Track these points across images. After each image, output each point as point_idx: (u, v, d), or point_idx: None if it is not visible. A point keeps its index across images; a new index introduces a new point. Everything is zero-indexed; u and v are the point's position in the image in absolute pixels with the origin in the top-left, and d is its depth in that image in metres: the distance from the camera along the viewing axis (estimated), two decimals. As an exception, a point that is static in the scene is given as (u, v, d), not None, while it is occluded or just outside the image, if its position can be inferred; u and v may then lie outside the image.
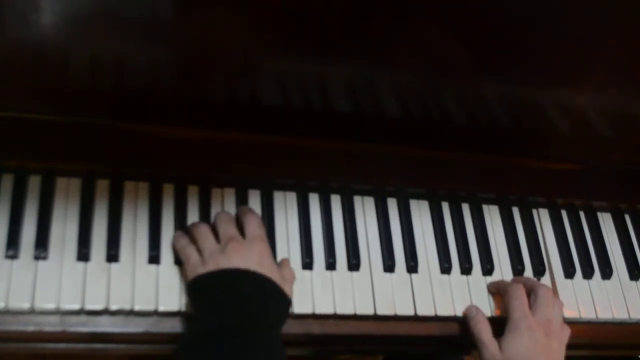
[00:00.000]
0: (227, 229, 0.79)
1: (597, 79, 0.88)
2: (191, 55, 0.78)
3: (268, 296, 0.76)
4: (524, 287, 0.88)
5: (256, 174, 0.91)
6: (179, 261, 0.83)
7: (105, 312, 0.78)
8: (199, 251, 0.79)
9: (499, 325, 0.86)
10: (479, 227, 0.97)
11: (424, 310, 0.88)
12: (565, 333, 0.87)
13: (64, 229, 0.81)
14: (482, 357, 0.85)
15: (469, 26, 0.78)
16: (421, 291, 0.90)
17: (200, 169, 0.89)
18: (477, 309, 0.89)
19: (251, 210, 0.84)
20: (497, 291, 0.91)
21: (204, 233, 0.80)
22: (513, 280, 0.93)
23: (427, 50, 0.81)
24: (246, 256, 0.76)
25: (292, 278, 0.82)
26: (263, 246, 0.79)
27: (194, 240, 0.81)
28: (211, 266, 0.76)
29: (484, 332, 0.86)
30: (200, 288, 0.76)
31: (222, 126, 0.89)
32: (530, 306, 0.87)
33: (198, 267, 0.77)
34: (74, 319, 0.77)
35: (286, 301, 0.78)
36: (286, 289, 0.79)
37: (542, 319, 0.85)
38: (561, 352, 0.86)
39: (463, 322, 0.89)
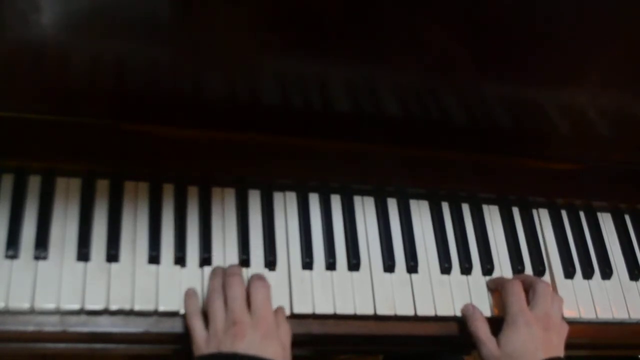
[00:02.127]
0: (235, 307, 0.78)
1: (597, 79, 0.88)
2: (191, 55, 0.78)
3: None
4: (522, 284, 0.89)
5: (256, 174, 0.91)
6: (178, 261, 0.83)
7: (105, 312, 0.78)
8: (207, 321, 0.78)
9: (500, 324, 0.86)
10: (479, 227, 0.97)
11: (424, 310, 0.88)
12: (564, 329, 0.87)
13: (64, 229, 0.81)
14: (481, 354, 0.85)
15: (469, 26, 0.78)
16: (421, 291, 0.90)
17: (200, 169, 0.89)
18: (473, 307, 0.89)
19: (260, 279, 0.82)
20: (496, 287, 0.92)
21: (215, 309, 0.78)
22: (512, 277, 0.93)
23: (427, 50, 0.81)
24: (248, 341, 0.75)
25: (289, 336, 0.81)
26: (266, 327, 0.77)
27: (206, 303, 0.80)
28: (213, 347, 0.76)
29: (481, 330, 0.86)
30: None
31: (222, 126, 0.89)
32: (529, 302, 0.87)
33: (202, 344, 0.77)
34: (74, 319, 0.77)
35: None
36: (286, 357, 0.78)
37: (541, 313, 0.85)
38: (560, 347, 0.86)
39: (463, 322, 0.89)
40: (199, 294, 0.82)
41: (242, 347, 0.75)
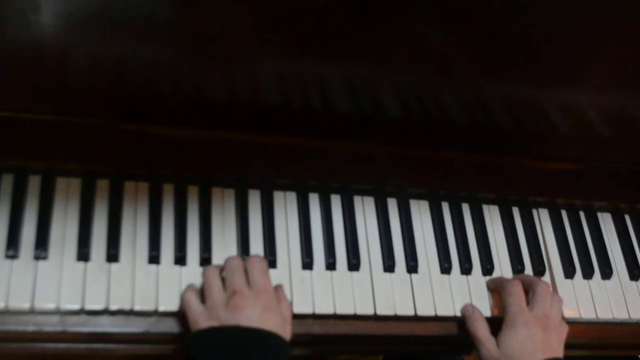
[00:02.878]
0: (234, 279, 0.78)
1: (597, 79, 0.88)
2: (191, 55, 0.78)
3: (268, 351, 0.75)
4: (522, 284, 0.89)
5: (256, 174, 0.91)
6: (179, 261, 0.83)
7: (105, 312, 0.78)
8: (203, 297, 0.78)
9: (500, 324, 0.86)
10: (479, 227, 0.97)
11: (424, 310, 0.88)
12: (564, 329, 0.87)
13: (64, 229, 0.81)
14: (480, 354, 0.85)
15: (469, 26, 0.78)
16: (421, 291, 0.90)
17: (200, 169, 0.89)
18: (473, 307, 0.89)
19: (256, 256, 0.82)
20: (496, 287, 0.91)
21: (211, 282, 0.78)
22: (511, 277, 0.93)
23: (427, 50, 0.81)
24: (249, 312, 0.75)
25: (290, 311, 0.81)
26: (266, 298, 0.77)
27: (204, 285, 0.79)
28: (213, 320, 0.75)
29: (481, 330, 0.86)
30: (202, 344, 0.75)
31: (222, 126, 0.89)
32: (528, 302, 0.87)
33: (200, 318, 0.76)
34: (74, 319, 0.77)
35: (286, 348, 0.77)
36: (286, 330, 0.78)
37: (539, 314, 0.85)
38: (559, 348, 0.85)
39: (463, 322, 0.89)
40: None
41: (243, 319, 0.75)
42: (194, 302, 0.78)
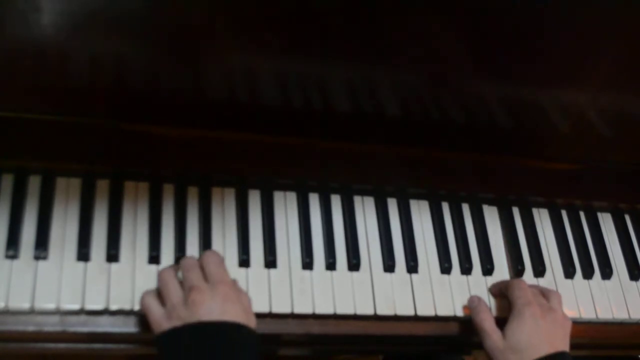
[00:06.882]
0: (190, 276, 0.77)
1: (597, 79, 0.88)
2: (191, 55, 0.78)
3: (234, 342, 0.74)
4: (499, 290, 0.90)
5: (256, 174, 0.91)
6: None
7: (105, 312, 0.78)
8: (162, 300, 0.77)
9: (500, 325, 0.86)
10: (479, 227, 0.97)
11: (424, 310, 0.89)
12: (568, 324, 0.87)
13: (64, 229, 0.81)
14: (485, 346, 0.85)
15: (470, 26, 0.78)
16: (421, 291, 0.90)
17: (200, 169, 0.89)
18: (479, 298, 0.89)
19: (209, 250, 0.81)
20: (499, 291, 0.91)
21: (167, 283, 0.77)
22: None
23: (428, 50, 0.81)
24: (208, 306, 0.74)
25: (249, 303, 0.79)
26: (224, 288, 0.76)
27: (160, 287, 0.78)
28: (175, 321, 0.74)
29: (486, 321, 0.86)
30: (167, 345, 0.74)
31: (222, 126, 0.89)
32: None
33: (162, 320, 0.75)
34: (74, 319, 0.77)
35: (253, 336, 0.76)
36: (251, 319, 0.77)
37: (545, 307, 0.85)
38: (565, 342, 0.85)
39: (463, 322, 0.89)
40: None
41: (204, 314, 0.73)
42: (153, 305, 0.76)
